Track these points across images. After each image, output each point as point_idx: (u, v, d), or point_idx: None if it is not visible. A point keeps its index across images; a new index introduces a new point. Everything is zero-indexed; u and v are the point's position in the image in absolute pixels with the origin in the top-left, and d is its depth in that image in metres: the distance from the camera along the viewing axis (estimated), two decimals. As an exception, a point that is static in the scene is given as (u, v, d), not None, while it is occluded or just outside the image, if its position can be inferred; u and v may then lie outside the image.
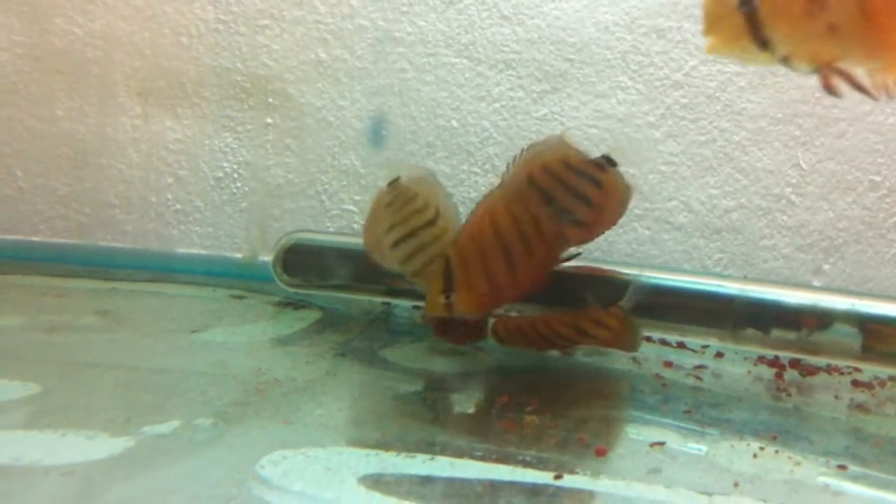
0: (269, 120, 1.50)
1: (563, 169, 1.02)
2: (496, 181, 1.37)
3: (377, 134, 1.47)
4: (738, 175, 1.35)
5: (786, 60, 0.84)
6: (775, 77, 1.33)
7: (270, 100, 1.49)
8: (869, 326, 1.03)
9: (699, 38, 1.35)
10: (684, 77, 1.36)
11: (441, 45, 1.44)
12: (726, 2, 0.82)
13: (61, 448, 0.79)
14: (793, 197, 1.34)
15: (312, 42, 1.47)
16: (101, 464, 0.76)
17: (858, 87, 0.84)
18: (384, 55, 1.46)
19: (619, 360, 1.12)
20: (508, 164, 1.07)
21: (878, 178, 1.32)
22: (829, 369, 1.12)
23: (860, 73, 0.85)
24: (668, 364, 1.12)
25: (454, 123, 1.44)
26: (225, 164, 1.52)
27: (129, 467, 0.76)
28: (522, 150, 1.07)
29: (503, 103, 1.43)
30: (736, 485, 0.79)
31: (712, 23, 0.84)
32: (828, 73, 0.86)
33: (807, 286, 1.29)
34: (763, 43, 0.83)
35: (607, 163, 1.03)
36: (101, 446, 0.79)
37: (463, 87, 1.44)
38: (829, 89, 0.87)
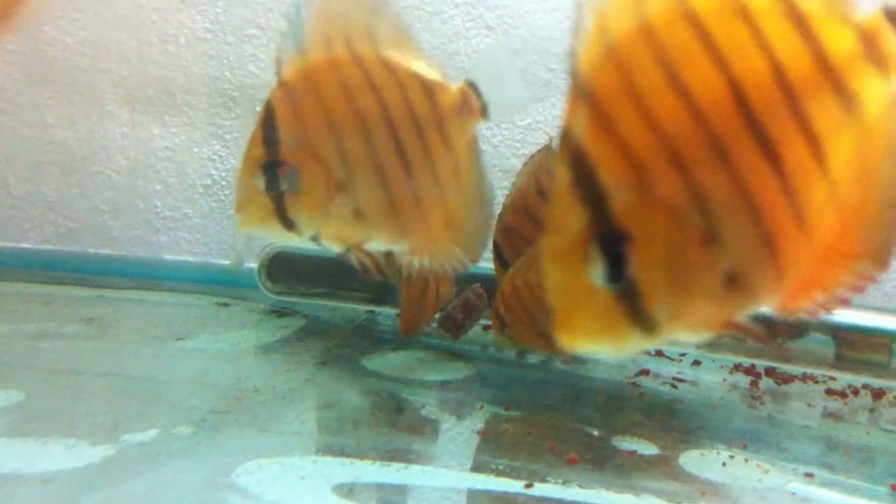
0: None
1: None
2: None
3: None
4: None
5: (315, 239, 0.88)
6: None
7: (258, 108, 1.50)
8: (842, 335, 1.05)
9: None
10: (666, 87, 1.38)
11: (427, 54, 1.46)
12: (255, 184, 0.85)
13: (42, 456, 0.80)
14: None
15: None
16: (80, 472, 0.77)
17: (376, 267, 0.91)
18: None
19: (596, 369, 1.13)
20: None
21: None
22: (804, 377, 1.14)
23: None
24: (646, 372, 1.13)
25: (439, 131, 1.45)
26: (213, 172, 1.53)
27: (108, 475, 0.77)
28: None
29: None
30: (703, 493, 0.80)
31: (243, 202, 0.87)
32: (358, 254, 0.91)
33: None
34: (289, 224, 0.87)
35: None
36: (82, 454, 0.80)
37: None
38: (362, 269, 0.92)
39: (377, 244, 0.92)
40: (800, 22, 0.62)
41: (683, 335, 0.63)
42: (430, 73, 0.92)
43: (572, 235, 0.59)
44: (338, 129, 0.87)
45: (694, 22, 0.60)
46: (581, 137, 0.60)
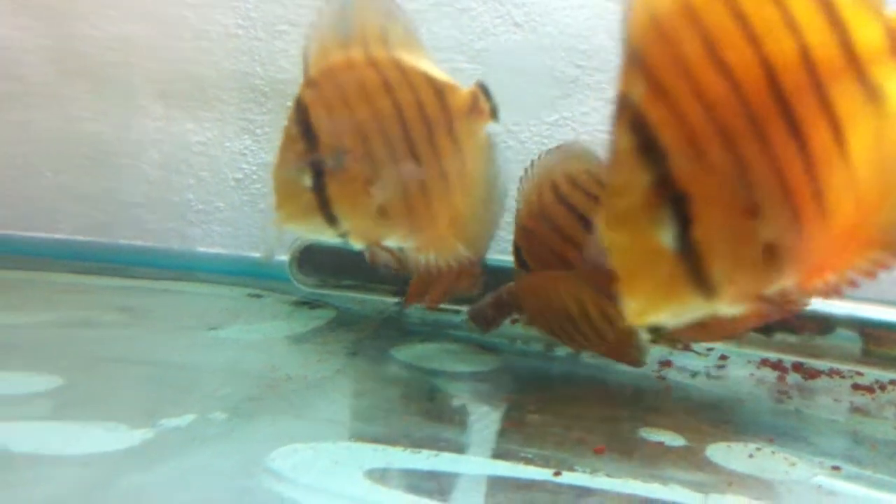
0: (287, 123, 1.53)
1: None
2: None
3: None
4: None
5: (344, 236, 0.92)
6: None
7: (288, 103, 1.52)
8: (869, 331, 1.05)
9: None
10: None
11: (454, 51, 1.47)
12: (297, 180, 0.87)
13: (81, 439, 0.82)
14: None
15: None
16: (118, 454, 0.79)
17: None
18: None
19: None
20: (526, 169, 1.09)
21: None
22: (830, 373, 1.14)
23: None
24: (672, 365, 1.14)
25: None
26: (244, 166, 1.55)
27: (145, 458, 0.79)
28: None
29: (515, 108, 1.45)
30: (730, 484, 0.81)
31: (284, 199, 0.90)
32: (379, 250, 0.94)
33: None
34: (331, 219, 0.89)
35: None
36: (120, 438, 0.82)
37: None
38: (381, 265, 0.96)
39: (392, 241, 0.94)
40: (830, 10, 0.63)
41: (729, 304, 0.65)
42: (441, 75, 0.94)
43: (637, 198, 0.62)
44: (363, 127, 0.89)
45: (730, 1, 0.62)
46: (639, 103, 0.62)
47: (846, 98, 0.63)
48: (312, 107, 0.89)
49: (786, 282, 0.66)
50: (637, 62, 0.63)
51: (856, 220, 0.66)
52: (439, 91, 0.94)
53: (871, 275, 0.67)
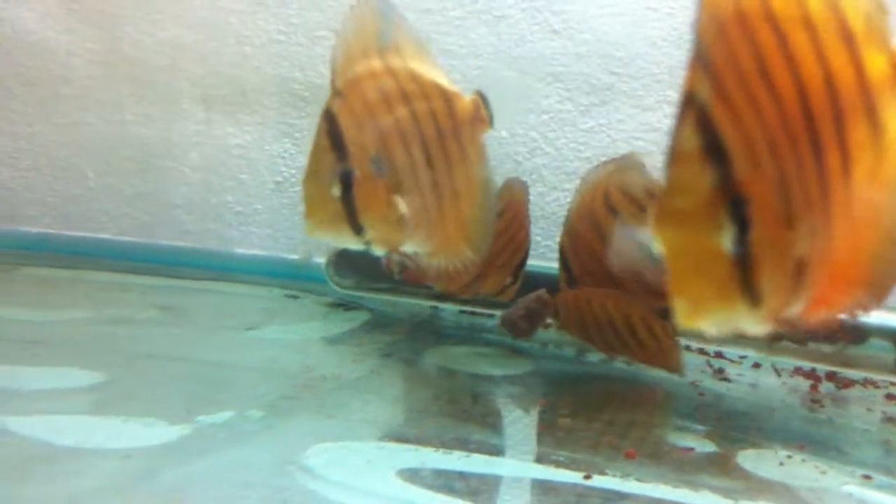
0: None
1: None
2: (543, 190, 1.43)
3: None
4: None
5: (368, 244, 0.94)
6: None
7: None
8: (903, 341, 1.05)
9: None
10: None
11: (492, 58, 1.48)
12: (327, 191, 0.89)
13: (122, 433, 0.84)
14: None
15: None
16: (158, 449, 0.81)
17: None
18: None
19: (654, 369, 1.14)
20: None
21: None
22: (864, 382, 1.13)
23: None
24: (705, 373, 1.14)
25: (503, 133, 1.48)
26: (283, 169, 1.58)
27: (183, 453, 0.81)
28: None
29: (551, 115, 1.46)
30: (760, 491, 0.81)
31: (314, 209, 0.91)
32: (391, 257, 0.96)
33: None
34: (358, 228, 0.91)
35: None
36: (159, 433, 0.84)
37: (512, 99, 1.48)
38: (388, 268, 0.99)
39: (409, 247, 0.96)
40: (850, 39, 0.64)
41: (765, 317, 0.65)
42: (448, 83, 0.97)
43: (698, 199, 0.62)
44: (388, 137, 0.91)
45: (773, 21, 0.63)
46: (707, 102, 0.62)
47: (856, 128, 0.64)
48: (341, 117, 0.91)
49: (798, 306, 0.66)
50: (706, 61, 0.64)
51: (848, 256, 0.66)
52: (448, 100, 0.97)
53: (853, 315, 0.67)
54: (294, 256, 1.54)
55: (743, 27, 0.63)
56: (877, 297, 0.67)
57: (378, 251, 0.96)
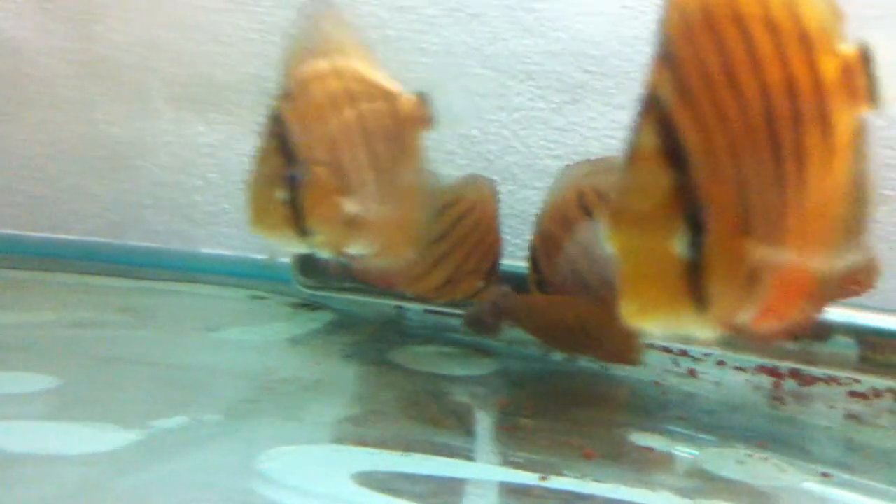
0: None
1: None
2: (514, 188, 1.43)
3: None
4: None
5: (312, 246, 0.94)
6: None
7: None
8: (866, 338, 1.05)
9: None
10: (699, 89, 1.38)
11: (465, 56, 1.47)
12: (272, 194, 0.89)
13: (78, 439, 0.83)
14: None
15: (339, 51, 1.51)
16: (113, 454, 0.80)
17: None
18: (410, 65, 1.50)
19: (620, 367, 1.14)
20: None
21: (890, 193, 1.32)
22: (827, 380, 1.14)
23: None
24: (669, 371, 1.14)
25: (475, 132, 1.47)
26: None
27: (140, 459, 0.80)
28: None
29: (523, 113, 1.46)
30: (719, 490, 0.81)
31: (259, 212, 0.92)
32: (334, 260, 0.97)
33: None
34: (303, 231, 0.91)
35: None
36: (116, 438, 0.83)
37: (485, 97, 1.47)
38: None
39: (355, 249, 0.96)
40: (807, 43, 0.64)
41: (708, 326, 0.65)
42: (393, 84, 0.96)
43: (655, 201, 0.61)
44: (334, 139, 0.91)
45: (739, 23, 0.63)
46: (669, 103, 0.62)
47: (812, 133, 0.63)
48: (289, 120, 0.91)
49: (749, 314, 0.65)
50: (670, 61, 0.63)
51: (801, 265, 0.65)
52: (392, 100, 0.96)
53: (798, 328, 0.67)
54: (261, 256, 1.54)
55: (709, 27, 0.63)
56: (819, 309, 0.67)
57: (324, 254, 0.96)
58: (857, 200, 0.66)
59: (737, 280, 0.63)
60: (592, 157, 1.15)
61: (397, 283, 1.11)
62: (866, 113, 0.65)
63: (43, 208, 1.63)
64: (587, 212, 1.06)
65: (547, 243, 1.10)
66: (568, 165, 1.13)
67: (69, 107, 1.62)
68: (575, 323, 1.05)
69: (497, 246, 1.17)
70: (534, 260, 1.12)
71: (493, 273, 1.16)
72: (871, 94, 0.65)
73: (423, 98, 0.98)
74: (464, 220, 1.12)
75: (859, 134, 0.65)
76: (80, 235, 1.61)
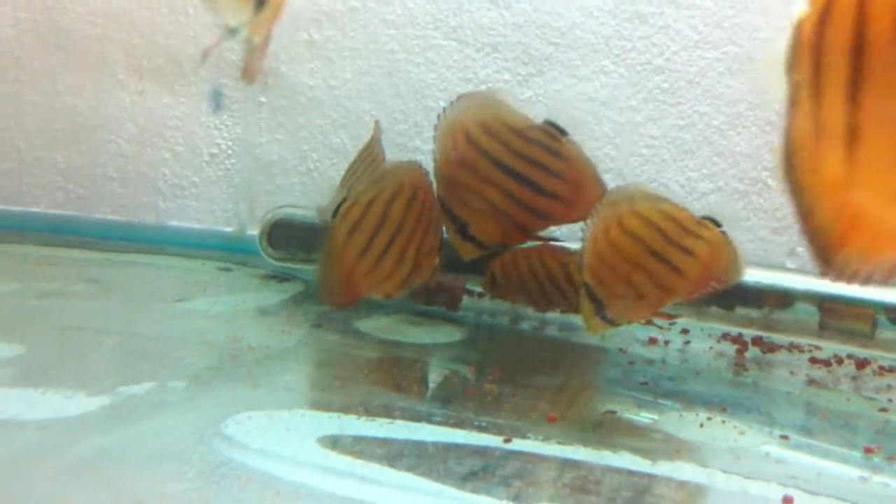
0: (262, 98, 1.54)
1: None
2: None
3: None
4: (717, 158, 1.38)
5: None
6: (753, 63, 1.36)
7: (268, 80, 1.53)
8: (827, 305, 1.07)
9: (680, 24, 1.39)
10: (665, 62, 1.39)
11: (430, 28, 1.47)
12: None
13: (40, 404, 0.83)
14: (769, 180, 1.37)
15: (305, 23, 1.51)
16: (76, 420, 0.80)
17: None
18: (375, 37, 1.50)
19: (587, 335, 1.15)
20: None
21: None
22: (790, 347, 1.15)
23: None
24: (634, 339, 1.15)
25: (442, 104, 1.47)
26: (220, 141, 1.56)
27: (103, 424, 0.80)
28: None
29: (489, 85, 1.46)
30: (678, 451, 0.82)
31: None
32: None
33: (773, 266, 1.31)
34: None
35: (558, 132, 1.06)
36: (78, 404, 0.83)
37: (451, 69, 1.47)
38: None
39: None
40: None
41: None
42: None
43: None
44: None
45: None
46: None
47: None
48: None
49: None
50: None
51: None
52: None
53: None
54: (229, 229, 1.53)
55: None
56: None
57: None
58: None
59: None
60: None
61: (363, 290, 1.11)
62: None
63: (7, 181, 1.61)
64: (478, 148, 1.06)
65: (451, 189, 1.10)
66: (444, 107, 1.12)
67: (30, 79, 1.60)
68: (544, 272, 1.07)
69: (439, 219, 1.16)
70: (446, 209, 1.11)
71: (442, 246, 1.16)
72: None
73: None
74: (412, 207, 1.10)
75: None
76: (45, 208, 1.60)
